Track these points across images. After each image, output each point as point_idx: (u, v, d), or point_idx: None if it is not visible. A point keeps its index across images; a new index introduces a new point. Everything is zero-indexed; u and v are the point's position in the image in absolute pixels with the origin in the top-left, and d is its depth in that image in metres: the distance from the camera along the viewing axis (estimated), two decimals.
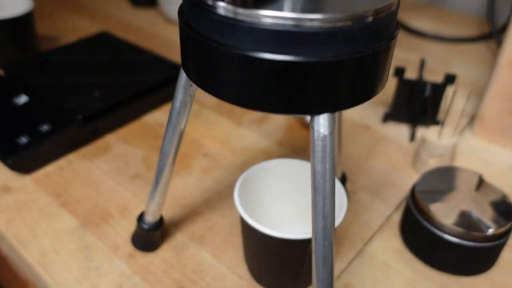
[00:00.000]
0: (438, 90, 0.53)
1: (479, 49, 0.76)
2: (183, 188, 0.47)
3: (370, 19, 0.24)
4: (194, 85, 0.32)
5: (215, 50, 0.24)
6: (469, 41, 0.78)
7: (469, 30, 0.81)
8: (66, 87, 0.55)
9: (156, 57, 0.63)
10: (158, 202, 0.38)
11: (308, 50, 0.23)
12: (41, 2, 0.89)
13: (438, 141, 0.48)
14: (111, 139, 0.53)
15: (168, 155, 0.35)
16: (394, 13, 0.26)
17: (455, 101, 0.59)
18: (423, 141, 0.49)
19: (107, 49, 0.64)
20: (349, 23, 0.23)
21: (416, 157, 0.50)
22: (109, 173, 0.48)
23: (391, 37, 0.26)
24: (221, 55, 0.24)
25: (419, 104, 0.54)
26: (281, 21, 0.23)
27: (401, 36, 0.79)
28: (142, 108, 0.57)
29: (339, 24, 0.23)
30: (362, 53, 0.24)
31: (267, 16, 0.22)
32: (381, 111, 0.60)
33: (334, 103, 0.26)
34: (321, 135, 0.26)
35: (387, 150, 0.53)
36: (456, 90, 0.54)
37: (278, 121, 0.58)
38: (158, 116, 0.58)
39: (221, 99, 0.26)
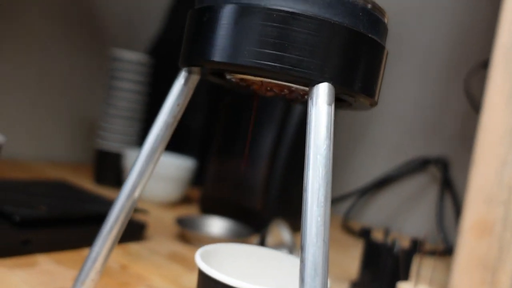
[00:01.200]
0: (407, 255, 0.51)
1: None
2: None
3: (374, 11, 0.27)
4: (181, 104, 0.31)
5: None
6: None
7: None
8: (12, 194, 0.50)
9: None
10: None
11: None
12: None
13: None
14: (42, 259, 0.45)
15: (132, 186, 0.31)
16: (386, 28, 0.28)
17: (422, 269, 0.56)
18: None
19: (65, 190, 0.61)
20: (368, 5, 0.26)
21: None
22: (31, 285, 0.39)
23: (383, 45, 0.28)
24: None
25: (388, 267, 0.51)
26: None
27: None
28: (87, 236, 0.51)
29: (360, 2, 0.26)
30: (362, 32, 0.26)
31: None
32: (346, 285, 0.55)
33: (336, 75, 0.26)
34: (320, 106, 0.25)
35: None
36: (422, 259, 0.52)
37: None
38: None
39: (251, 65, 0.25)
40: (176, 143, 0.86)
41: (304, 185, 0.25)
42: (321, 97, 0.25)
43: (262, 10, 0.25)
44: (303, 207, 0.24)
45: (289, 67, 0.25)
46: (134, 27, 0.93)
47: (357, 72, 0.26)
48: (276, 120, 0.68)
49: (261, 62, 0.25)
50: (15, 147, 0.80)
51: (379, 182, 0.90)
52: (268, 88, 0.31)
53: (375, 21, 0.27)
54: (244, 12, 0.25)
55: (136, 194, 0.31)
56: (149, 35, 0.96)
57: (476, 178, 0.50)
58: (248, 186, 0.68)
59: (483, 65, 0.75)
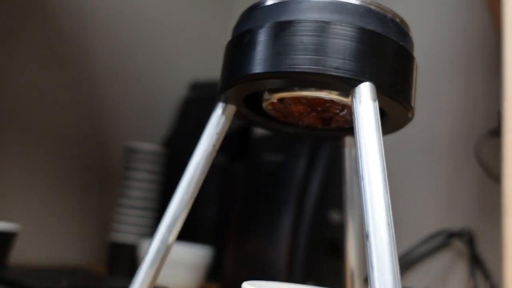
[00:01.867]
0: None
1: None
2: None
3: (401, 24, 0.29)
4: (219, 133, 0.32)
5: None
6: None
7: None
8: (33, 274, 0.48)
9: None
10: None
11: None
12: None
13: None
14: None
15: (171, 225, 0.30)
16: (412, 41, 0.31)
17: None
18: None
19: (84, 272, 0.58)
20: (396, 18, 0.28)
21: None
22: None
23: (413, 55, 0.30)
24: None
25: None
26: None
27: None
28: None
29: (389, 15, 0.28)
30: (394, 39, 0.28)
31: None
32: None
33: (375, 75, 0.27)
34: (365, 102, 0.26)
35: None
36: None
37: None
38: None
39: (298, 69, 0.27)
40: (190, 234, 0.84)
41: (361, 186, 0.24)
42: (364, 94, 0.26)
43: (300, 22, 0.27)
44: (363, 208, 0.24)
45: (330, 69, 0.26)
46: (146, 121, 0.96)
47: (394, 75, 0.27)
48: (294, 194, 0.68)
49: (303, 66, 0.26)
50: (24, 248, 0.77)
51: (402, 265, 0.87)
52: (305, 112, 0.32)
53: (403, 32, 0.29)
54: (282, 27, 0.27)
55: (171, 238, 0.30)
56: (162, 128, 0.99)
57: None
58: (270, 266, 0.66)
59: (492, 133, 0.77)
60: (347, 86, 0.27)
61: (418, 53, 0.94)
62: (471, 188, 0.82)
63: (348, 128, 0.35)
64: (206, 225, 0.88)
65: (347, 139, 0.36)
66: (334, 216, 0.71)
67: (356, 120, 0.26)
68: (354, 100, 0.26)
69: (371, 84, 0.26)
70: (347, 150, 0.36)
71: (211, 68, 1.08)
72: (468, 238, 0.80)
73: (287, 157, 0.71)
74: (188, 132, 0.96)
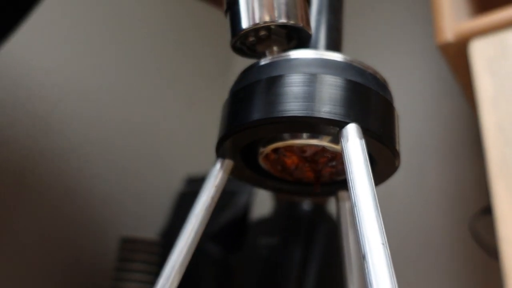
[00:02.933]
0: None
1: None
2: None
3: (379, 78, 0.33)
4: (217, 186, 0.34)
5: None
6: None
7: None
8: None
9: None
10: None
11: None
12: None
13: None
14: None
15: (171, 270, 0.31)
16: (392, 95, 0.34)
17: None
18: None
19: None
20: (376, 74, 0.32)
21: None
22: None
23: (394, 107, 0.33)
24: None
25: None
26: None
27: None
28: None
29: (368, 70, 0.32)
30: (375, 90, 0.31)
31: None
32: None
33: (360, 118, 0.30)
34: (352, 141, 0.28)
35: None
36: None
37: None
38: None
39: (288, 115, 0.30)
40: None
41: (355, 211, 0.26)
42: (351, 133, 0.28)
43: (290, 75, 0.30)
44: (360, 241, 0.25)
45: (319, 112, 0.29)
46: (143, 215, 0.97)
47: (377, 119, 0.30)
48: (293, 278, 0.67)
49: (294, 111, 0.29)
50: None
51: None
52: (300, 164, 0.34)
53: (382, 85, 0.32)
54: (274, 80, 0.30)
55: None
56: (158, 221, 0.99)
57: None
58: None
59: (484, 211, 0.78)
60: (335, 128, 0.29)
61: (407, 141, 0.99)
62: (471, 267, 0.81)
63: (341, 181, 0.37)
64: None
65: (341, 194, 0.37)
66: None
67: (345, 158, 0.28)
68: (342, 140, 0.28)
69: (357, 125, 0.29)
70: (341, 204, 0.37)
71: (206, 163, 1.12)
72: None
73: (283, 240, 0.72)
74: (183, 225, 0.96)
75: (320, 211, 0.74)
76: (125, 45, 0.99)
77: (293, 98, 0.29)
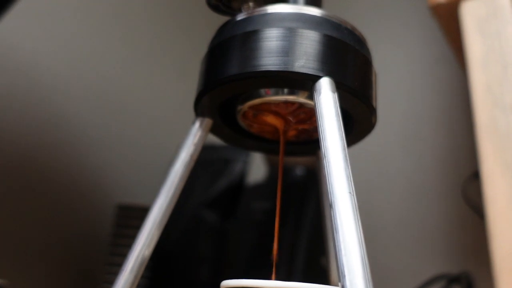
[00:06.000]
0: None
1: None
2: None
3: (356, 32, 0.32)
4: (196, 144, 0.34)
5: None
6: None
7: None
8: None
9: None
10: None
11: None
12: None
13: None
14: None
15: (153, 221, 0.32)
16: (369, 51, 0.33)
17: None
18: None
19: None
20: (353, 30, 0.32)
21: None
22: None
23: (371, 62, 0.33)
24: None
25: None
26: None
27: None
28: None
29: (344, 24, 0.32)
30: (351, 45, 0.31)
31: None
32: None
33: (334, 72, 0.30)
34: (325, 94, 0.28)
35: None
36: None
37: None
38: None
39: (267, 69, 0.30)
40: None
41: (326, 173, 0.26)
42: (324, 87, 0.28)
43: (265, 30, 0.30)
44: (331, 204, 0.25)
45: (293, 67, 0.29)
46: (137, 181, 0.98)
47: (352, 74, 0.30)
48: (287, 243, 0.68)
49: (269, 65, 0.29)
50: None
51: None
52: (276, 121, 0.34)
53: (360, 41, 0.32)
54: (249, 35, 0.30)
55: (148, 250, 0.31)
56: (154, 189, 1.00)
57: None
58: None
59: (476, 175, 0.79)
60: (309, 82, 0.29)
61: (400, 107, 0.97)
62: (465, 231, 0.82)
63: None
64: (200, 286, 0.86)
65: (320, 152, 0.37)
66: (323, 262, 0.71)
67: (317, 111, 0.28)
68: (315, 94, 0.28)
69: (330, 79, 0.29)
70: (321, 163, 0.37)
71: None
72: (467, 282, 0.78)
73: (275, 205, 0.72)
74: (163, 182, 0.97)
75: (312, 175, 0.75)
76: (117, 15, 0.98)
77: (268, 53, 0.29)
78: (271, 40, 0.30)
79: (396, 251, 0.88)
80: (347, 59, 0.30)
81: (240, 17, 0.32)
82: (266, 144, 0.38)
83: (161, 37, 1.08)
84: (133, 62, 1.01)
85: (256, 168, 0.96)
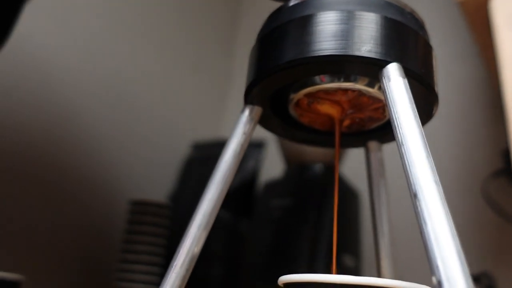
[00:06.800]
0: None
1: None
2: None
3: (418, 17, 0.31)
4: (246, 133, 0.32)
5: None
6: None
7: None
8: None
9: None
10: None
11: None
12: None
13: None
14: None
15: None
16: (428, 34, 0.32)
17: None
18: None
19: None
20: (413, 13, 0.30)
21: None
22: None
23: (431, 46, 0.31)
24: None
25: None
26: None
27: None
28: None
29: (407, 8, 0.30)
30: (415, 30, 0.30)
31: None
32: None
33: (402, 57, 0.28)
34: (395, 80, 0.27)
35: None
36: None
37: None
38: None
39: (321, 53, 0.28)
40: None
41: (403, 154, 0.24)
42: (393, 73, 0.27)
43: (326, 13, 0.28)
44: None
45: (359, 52, 0.27)
46: (150, 180, 0.96)
47: (417, 59, 0.29)
48: (306, 242, 0.67)
49: (331, 49, 0.27)
50: None
51: None
52: (333, 111, 0.32)
53: (421, 25, 0.31)
54: (310, 19, 0.29)
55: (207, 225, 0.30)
56: (165, 187, 0.98)
57: None
58: None
59: (496, 174, 0.78)
60: (375, 67, 0.28)
61: None
62: (485, 231, 0.81)
63: (370, 131, 0.36)
64: (212, 285, 0.85)
65: (371, 144, 0.36)
66: (346, 261, 0.69)
67: (389, 98, 0.26)
68: (384, 80, 0.27)
69: (398, 64, 0.27)
70: (371, 155, 0.36)
71: (212, 129, 1.11)
72: (487, 282, 0.78)
73: (295, 202, 0.71)
74: (190, 191, 0.95)
75: (331, 172, 0.74)
76: (129, 9, 0.96)
77: (329, 37, 0.28)
78: (332, 23, 0.28)
79: (415, 250, 0.87)
80: (411, 44, 0.29)
81: (293, 2, 0.31)
82: (316, 135, 0.36)
83: (175, 33, 1.06)
84: (145, 58, 0.99)
85: (268, 166, 0.95)
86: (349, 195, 0.70)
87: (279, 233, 0.71)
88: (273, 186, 0.77)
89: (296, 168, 0.75)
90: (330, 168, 0.75)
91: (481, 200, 0.80)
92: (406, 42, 0.28)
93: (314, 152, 0.75)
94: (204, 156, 0.99)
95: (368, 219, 0.78)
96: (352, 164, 0.86)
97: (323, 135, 0.36)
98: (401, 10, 0.29)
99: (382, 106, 0.32)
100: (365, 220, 0.77)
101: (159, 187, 0.98)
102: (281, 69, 0.29)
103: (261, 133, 0.86)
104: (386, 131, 0.35)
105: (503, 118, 0.69)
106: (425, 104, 0.30)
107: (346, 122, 0.33)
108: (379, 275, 0.34)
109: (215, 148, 1.00)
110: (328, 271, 0.64)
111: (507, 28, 0.57)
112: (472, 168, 0.85)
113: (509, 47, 0.56)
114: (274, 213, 0.73)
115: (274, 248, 0.70)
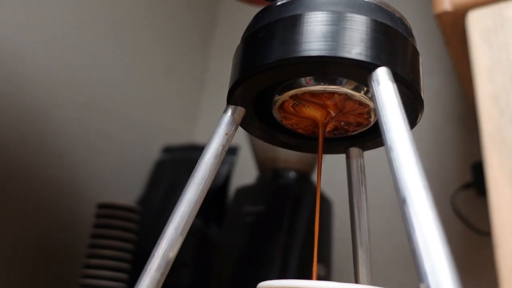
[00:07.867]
0: None
1: None
2: None
3: (407, 24, 0.31)
4: (229, 134, 0.31)
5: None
6: None
7: None
8: None
9: None
10: None
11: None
12: None
13: None
14: None
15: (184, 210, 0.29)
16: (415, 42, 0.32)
17: None
18: None
19: None
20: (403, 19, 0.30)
21: None
22: None
23: (418, 52, 0.31)
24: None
25: None
26: None
27: None
28: None
29: (396, 14, 0.30)
30: (404, 35, 0.29)
31: None
32: None
33: (391, 62, 0.28)
34: (384, 84, 0.26)
35: None
36: None
37: None
38: None
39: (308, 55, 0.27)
40: None
41: (393, 167, 0.24)
42: (382, 77, 0.26)
43: (317, 13, 0.28)
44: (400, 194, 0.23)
45: (349, 54, 0.27)
46: (119, 183, 0.93)
47: (405, 65, 0.28)
48: (279, 250, 0.66)
49: (321, 50, 0.27)
50: None
51: None
52: (319, 114, 0.32)
53: (410, 31, 0.30)
54: (296, 19, 0.28)
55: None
56: (134, 190, 0.95)
57: None
58: None
59: (465, 187, 0.79)
60: (364, 71, 0.27)
61: None
62: (453, 242, 0.82)
63: (352, 137, 0.35)
64: None
65: (352, 150, 0.36)
66: (318, 270, 0.69)
67: (377, 102, 0.26)
68: (373, 83, 0.27)
69: (387, 68, 0.27)
70: (352, 161, 0.35)
71: (184, 133, 1.09)
72: None
73: (268, 208, 0.70)
74: (159, 195, 0.93)
75: (305, 179, 0.73)
76: (102, 8, 0.94)
77: (318, 37, 0.27)
78: (321, 24, 0.28)
79: (381, 262, 0.87)
80: (401, 49, 0.29)
81: (281, 1, 0.30)
82: (298, 139, 0.35)
83: (148, 35, 1.04)
84: (117, 58, 0.96)
85: (241, 171, 0.94)
86: (322, 203, 0.70)
87: (250, 240, 0.70)
88: (246, 192, 0.76)
89: (269, 175, 0.75)
90: (304, 175, 0.75)
91: (450, 212, 0.81)
92: (396, 47, 0.28)
93: (288, 159, 0.74)
94: (175, 160, 0.97)
95: (339, 228, 0.78)
96: (324, 171, 0.85)
97: (305, 139, 0.35)
98: (391, 14, 0.29)
99: (367, 111, 0.31)
100: (336, 229, 0.77)
101: (128, 190, 0.95)
102: (267, 69, 0.28)
103: (234, 139, 0.85)
104: (368, 138, 0.34)
105: (475, 132, 0.70)
106: (412, 110, 0.30)
107: (330, 127, 0.33)
108: (356, 282, 0.34)
109: (186, 152, 0.99)
110: (300, 278, 0.63)
111: (483, 42, 0.58)
112: (442, 181, 0.86)
113: (484, 61, 0.57)
114: (246, 220, 0.72)
115: (244, 255, 0.68)
